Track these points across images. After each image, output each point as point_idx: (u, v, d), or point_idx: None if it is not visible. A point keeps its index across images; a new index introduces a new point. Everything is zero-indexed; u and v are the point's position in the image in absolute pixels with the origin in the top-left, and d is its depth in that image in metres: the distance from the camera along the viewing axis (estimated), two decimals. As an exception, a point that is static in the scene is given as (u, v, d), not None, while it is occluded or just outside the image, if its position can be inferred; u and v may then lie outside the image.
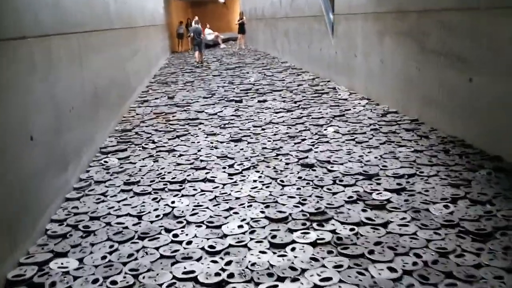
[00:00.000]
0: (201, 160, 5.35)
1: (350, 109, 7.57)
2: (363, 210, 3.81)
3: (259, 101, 8.72)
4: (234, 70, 13.79)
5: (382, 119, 6.79)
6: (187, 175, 4.87)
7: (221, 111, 7.97)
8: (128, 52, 9.13)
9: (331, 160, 5.08)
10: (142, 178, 4.84)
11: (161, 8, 18.78)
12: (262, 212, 3.84)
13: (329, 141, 5.87)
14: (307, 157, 5.27)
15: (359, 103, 7.98)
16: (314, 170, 4.84)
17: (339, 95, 8.90)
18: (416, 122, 6.43)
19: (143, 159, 5.52)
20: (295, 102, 8.43)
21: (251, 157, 5.36)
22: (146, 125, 7.22)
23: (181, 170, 5.05)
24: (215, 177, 4.74)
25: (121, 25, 8.56)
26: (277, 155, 5.42)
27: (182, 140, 6.26)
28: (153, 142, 6.24)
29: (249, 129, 6.65)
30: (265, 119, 7.25)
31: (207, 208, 4.02)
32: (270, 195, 4.22)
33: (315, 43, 11.73)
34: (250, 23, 22.45)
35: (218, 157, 5.44)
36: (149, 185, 4.62)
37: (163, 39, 18.72)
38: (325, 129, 6.40)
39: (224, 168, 5.03)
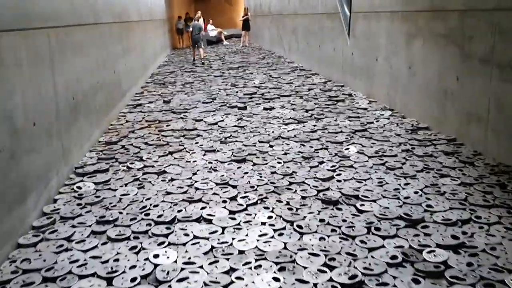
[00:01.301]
0: (197, 188, 4.33)
1: (372, 122, 6.53)
2: (415, 281, 2.78)
3: (265, 109, 7.69)
4: (237, 70, 12.75)
5: (412, 136, 5.75)
6: (178, 211, 3.85)
7: (222, 120, 6.94)
8: (119, 50, 8.09)
9: (359, 195, 4.05)
10: (120, 213, 3.82)
11: (161, 1, 17.71)
12: (276, 280, 2.81)
13: (353, 165, 4.83)
14: (328, 188, 4.24)
15: (382, 115, 6.94)
16: (340, 209, 3.81)
17: (357, 103, 7.86)
18: (454, 143, 5.40)
19: (126, 184, 4.49)
20: (307, 111, 7.40)
21: (257, 185, 4.34)
22: (135, 136, 6.20)
23: (171, 203, 4.03)
24: (213, 216, 3.72)
25: (111, 19, 7.52)
26: (290, 183, 4.39)
27: (175, 158, 5.24)
28: (141, 159, 5.22)
29: (254, 145, 5.62)
30: (273, 132, 6.21)
31: (201, 267, 2.99)
32: (285, 248, 3.20)
33: (327, 42, 10.68)
34: (255, 19, 21.39)
35: (217, 184, 4.42)
36: (128, 226, 3.60)
37: (163, 35, 17.68)
38: (346, 149, 5.37)
39: (224, 201, 4.00)
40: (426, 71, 6.10)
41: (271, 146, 5.58)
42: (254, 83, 10.40)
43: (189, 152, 5.44)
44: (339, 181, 4.43)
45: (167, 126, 6.71)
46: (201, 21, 22.37)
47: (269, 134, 6.09)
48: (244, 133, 6.21)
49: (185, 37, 22.74)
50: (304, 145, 5.54)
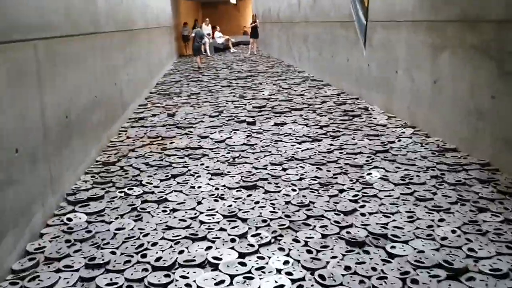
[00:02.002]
0: (201, 222, 3.81)
1: (394, 141, 5.99)
2: None
3: (276, 124, 7.17)
4: (245, 80, 12.27)
5: (440, 159, 5.20)
6: (179, 252, 3.33)
7: (230, 137, 6.43)
8: (122, 60, 7.62)
9: (388, 233, 3.51)
10: (114, 253, 3.31)
11: (168, 8, 17.29)
12: None
13: (378, 195, 4.30)
14: (351, 225, 3.71)
15: (403, 132, 6.40)
16: (367, 252, 3.28)
17: (375, 118, 7.33)
18: (488, 168, 4.85)
19: (122, 215, 3.98)
20: (321, 127, 6.87)
21: (270, 219, 3.81)
22: (136, 155, 5.69)
23: (171, 240, 3.51)
24: (220, 259, 3.20)
25: (113, 28, 7.05)
26: (308, 217, 3.86)
27: (178, 183, 4.73)
28: (140, 184, 4.72)
29: (265, 168, 5.10)
30: (285, 152, 5.69)
31: (205, 333, 2.47)
32: (306, 307, 2.67)
33: (341, 52, 10.17)
34: (264, 26, 20.94)
35: (224, 216, 3.90)
36: (122, 271, 3.09)
37: (169, 43, 17.24)
38: (368, 174, 4.83)
39: (233, 240, 3.48)
40: (455, 86, 5.56)
41: (284, 169, 5.06)
42: (263, 94, 9.90)
43: (193, 176, 4.92)
44: (363, 214, 3.89)
45: (170, 143, 6.21)
46: (208, 28, 21.99)
47: (281, 155, 5.57)
48: (254, 153, 5.69)
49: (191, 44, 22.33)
50: (320, 169, 5.01)
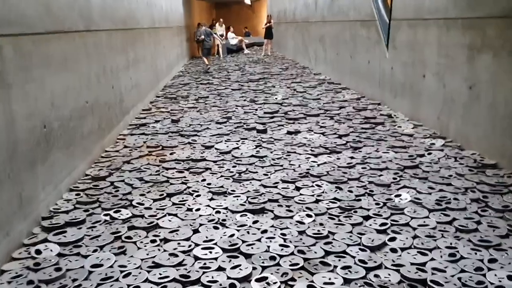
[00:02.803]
0: (196, 258, 3.13)
1: (423, 155, 5.25)
2: None
3: (289, 132, 6.47)
4: (257, 83, 11.58)
5: (480, 178, 4.45)
6: (165, 302, 2.65)
7: (238, 147, 5.75)
8: (123, 62, 7.00)
9: (428, 279, 2.79)
10: (83, 303, 2.64)
11: (179, 7, 16.69)
12: None
13: (410, 223, 3.57)
14: (380, 265, 2.99)
15: (433, 144, 5.65)
16: (403, 309, 2.55)
17: (399, 127, 6.58)
18: (541, 190, 4.09)
19: (102, 247, 3.32)
20: (340, 137, 6.15)
21: (280, 255, 3.12)
22: (130, 168, 5.04)
23: (157, 284, 2.84)
24: (215, 314, 2.51)
25: (111, 26, 6.43)
26: (327, 253, 3.16)
27: (174, 204, 4.06)
28: (130, 204, 4.06)
29: (276, 186, 4.41)
30: (299, 166, 4.99)
31: None
32: None
33: (360, 53, 9.43)
34: (279, 27, 20.25)
35: (224, 249, 3.22)
36: (89, 329, 2.42)
37: (180, 43, 16.64)
38: (397, 195, 4.11)
39: (232, 286, 2.79)
40: (495, 93, 4.81)
41: (297, 188, 4.36)
42: (276, 98, 9.20)
43: (192, 195, 4.25)
44: (394, 250, 3.18)
45: (170, 154, 5.55)
46: (222, 29, 21.34)
47: (294, 170, 4.87)
48: (263, 167, 5.00)
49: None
50: (340, 188, 4.29)
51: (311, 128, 6.65)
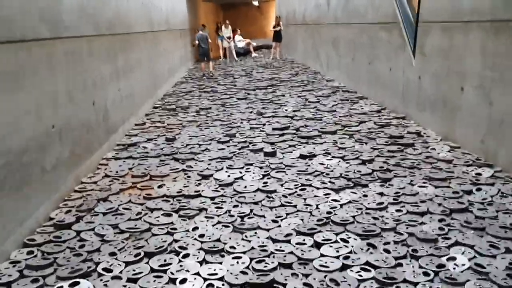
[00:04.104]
0: None
1: (470, 191, 4.21)
2: None
3: (302, 156, 5.45)
4: (265, 91, 10.57)
5: (556, 230, 3.40)
6: None
7: (241, 176, 4.75)
8: (108, 72, 6.03)
9: None
10: None
11: (183, 9, 15.71)
12: None
13: (478, 311, 2.54)
14: None
15: (479, 175, 4.61)
16: None
17: (433, 149, 5.53)
18: None
19: None
20: (364, 163, 5.13)
21: None
22: (105, 208, 4.05)
23: None
24: None
25: (92, 31, 5.46)
26: None
27: (152, 270, 3.05)
28: (94, 270, 3.06)
29: (288, 240, 3.39)
30: (317, 207, 3.98)
31: None
32: None
33: (381, 59, 8.38)
34: (287, 29, 19.23)
35: None
36: None
37: (183, 47, 15.67)
38: (449, 258, 3.07)
39: None
40: None
41: (316, 244, 3.33)
42: (285, 110, 8.19)
43: (178, 254, 3.24)
44: None
45: (158, 187, 4.55)
46: (228, 31, 20.33)
47: (311, 213, 3.85)
48: (271, 208, 3.98)
49: (214, 47, 20.69)
50: (373, 246, 3.26)
51: (328, 151, 5.63)
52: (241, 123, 7.34)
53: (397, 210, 3.86)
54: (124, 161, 5.43)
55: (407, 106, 7.16)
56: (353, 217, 3.73)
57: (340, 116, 7.52)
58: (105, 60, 5.95)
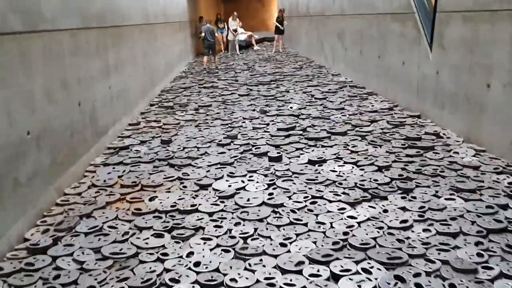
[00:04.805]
0: None
1: (507, 206, 3.67)
2: None
3: (310, 162, 4.91)
4: (268, 86, 10.03)
5: None
6: None
7: (244, 186, 4.23)
8: (97, 69, 5.49)
9: None
10: None
11: (183, 1, 15.11)
12: None
13: None
14: None
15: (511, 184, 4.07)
16: None
17: (456, 153, 5.00)
18: None
19: None
20: (380, 169, 4.59)
21: None
22: (88, 227, 3.52)
23: None
24: None
25: (76, 24, 4.92)
26: None
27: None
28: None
29: (299, 271, 2.86)
30: (331, 226, 3.45)
31: None
32: None
33: (392, 53, 7.83)
34: (290, 21, 18.63)
35: None
36: None
37: (183, 40, 15.09)
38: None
39: None
40: None
41: (334, 277, 2.79)
42: (291, 108, 7.65)
43: (170, 289, 2.72)
44: None
45: (150, 200, 4.02)
46: (235, 23, 19.66)
47: (325, 234, 3.32)
48: (279, 226, 3.46)
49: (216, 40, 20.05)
50: (402, 279, 2.73)
51: (339, 155, 5.09)
52: (243, 122, 6.80)
53: (425, 230, 3.33)
54: (113, 168, 4.89)
55: (423, 103, 6.61)
56: (374, 239, 3.20)
57: (349, 115, 6.96)
58: (94, 56, 5.42)
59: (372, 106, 7.59)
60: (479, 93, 5.14)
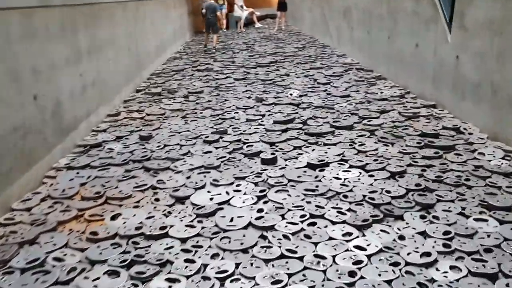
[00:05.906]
0: None
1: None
2: None
3: (309, 166, 4.15)
4: (267, 68, 9.22)
5: None
6: None
7: (228, 200, 3.48)
8: (63, 55, 4.71)
9: None
10: None
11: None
12: None
13: None
14: None
15: (559, 201, 3.30)
16: None
17: (482, 154, 4.23)
18: None
19: None
20: (393, 176, 3.83)
21: None
22: (26, 261, 2.81)
23: None
24: None
25: (29, 2, 4.13)
26: None
27: None
28: None
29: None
30: (333, 261, 2.70)
31: None
32: None
33: (404, 33, 6.98)
34: (293, -3, 17.64)
35: None
36: None
37: (179, 18, 14.20)
38: None
39: None
40: None
41: None
42: (290, 95, 6.86)
43: None
44: None
45: (112, 219, 3.29)
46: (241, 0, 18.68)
47: (325, 273, 2.57)
48: (267, 262, 2.72)
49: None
50: None
51: (344, 156, 4.33)
52: (236, 113, 6.03)
53: (453, 268, 2.58)
54: (77, 173, 4.15)
55: (439, 91, 5.81)
56: (389, 282, 2.46)
57: (356, 103, 6.18)
58: (58, 40, 4.63)
59: (382, 93, 6.79)
60: (508, 83, 4.33)
